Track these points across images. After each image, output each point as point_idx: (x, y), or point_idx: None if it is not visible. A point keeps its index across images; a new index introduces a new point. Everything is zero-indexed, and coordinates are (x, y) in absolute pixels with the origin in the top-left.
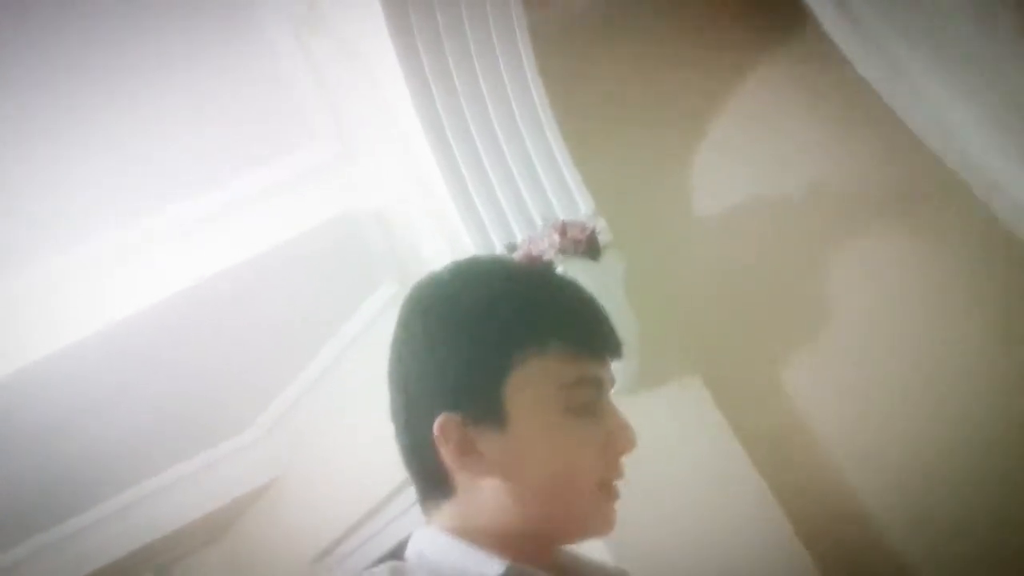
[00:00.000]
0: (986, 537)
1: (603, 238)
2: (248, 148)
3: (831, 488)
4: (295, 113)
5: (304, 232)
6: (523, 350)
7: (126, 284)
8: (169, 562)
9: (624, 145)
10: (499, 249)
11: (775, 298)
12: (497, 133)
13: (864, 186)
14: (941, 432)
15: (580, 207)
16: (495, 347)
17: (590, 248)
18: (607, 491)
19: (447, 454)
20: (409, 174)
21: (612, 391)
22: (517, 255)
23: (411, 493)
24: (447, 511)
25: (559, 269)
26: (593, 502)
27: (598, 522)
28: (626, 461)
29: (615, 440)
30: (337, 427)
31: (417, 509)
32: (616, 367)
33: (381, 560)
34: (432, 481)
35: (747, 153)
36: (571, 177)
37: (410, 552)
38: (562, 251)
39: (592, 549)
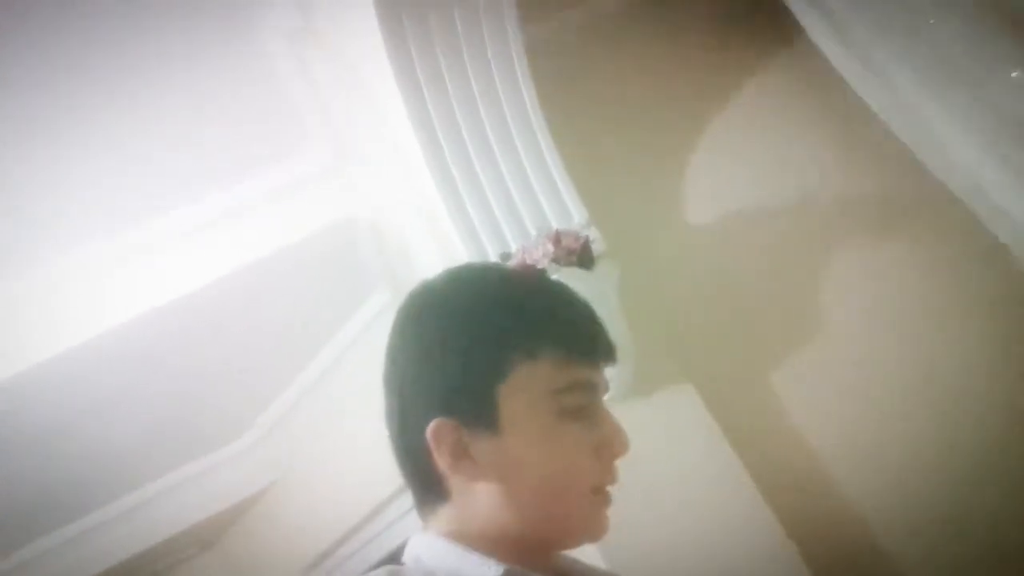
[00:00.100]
0: (979, 540)
1: (597, 247)
2: (242, 155)
3: (823, 493)
4: (291, 121)
5: (298, 239)
6: (516, 354)
7: (125, 288)
8: (166, 567)
9: (617, 154)
10: (493, 258)
11: (768, 306)
12: (491, 142)
13: (856, 194)
14: (933, 436)
15: (574, 216)
16: (488, 351)
17: (584, 257)
18: (601, 496)
19: (441, 458)
20: (403, 183)
21: (606, 397)
22: (511, 264)
23: (408, 498)
24: (443, 515)
25: (553, 278)
26: (587, 507)
27: (592, 527)
28: (620, 467)
29: (608, 444)
30: (334, 431)
31: (414, 513)
32: (610, 374)
33: (379, 564)
34: (427, 486)
35: (740, 162)
36: (564, 186)
37: (407, 556)
38: (556, 260)
39: (585, 554)
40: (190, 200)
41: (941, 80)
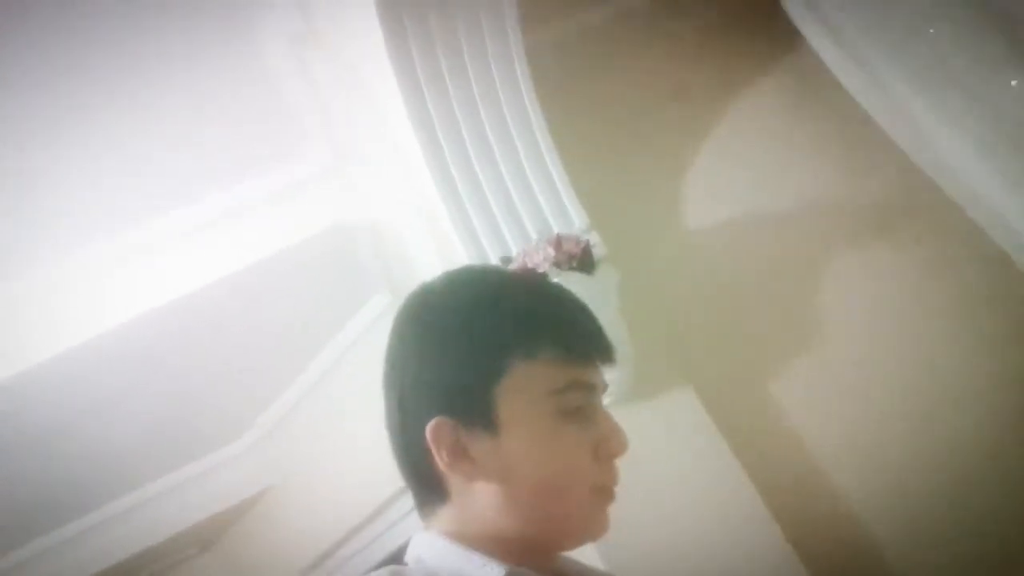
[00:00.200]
0: (979, 540)
1: (597, 251)
2: (242, 155)
3: (822, 494)
4: (290, 122)
5: (298, 240)
6: (514, 355)
7: (125, 288)
8: (165, 568)
9: (618, 160)
10: (494, 262)
11: (767, 309)
12: (492, 147)
13: (855, 198)
14: (932, 437)
15: (574, 221)
16: (486, 351)
17: (584, 261)
18: (603, 495)
19: (440, 458)
20: (403, 185)
21: (605, 398)
22: (512, 268)
23: (408, 499)
24: (443, 516)
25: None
26: (586, 507)
27: (591, 526)
28: (620, 469)
29: (607, 444)
30: (334, 432)
31: (414, 515)
32: (610, 377)
33: (381, 564)
34: (427, 486)
35: (739, 166)
36: (565, 191)
37: (409, 556)
38: (557, 264)
39: (585, 556)
40: (190, 200)
41: (939, 85)
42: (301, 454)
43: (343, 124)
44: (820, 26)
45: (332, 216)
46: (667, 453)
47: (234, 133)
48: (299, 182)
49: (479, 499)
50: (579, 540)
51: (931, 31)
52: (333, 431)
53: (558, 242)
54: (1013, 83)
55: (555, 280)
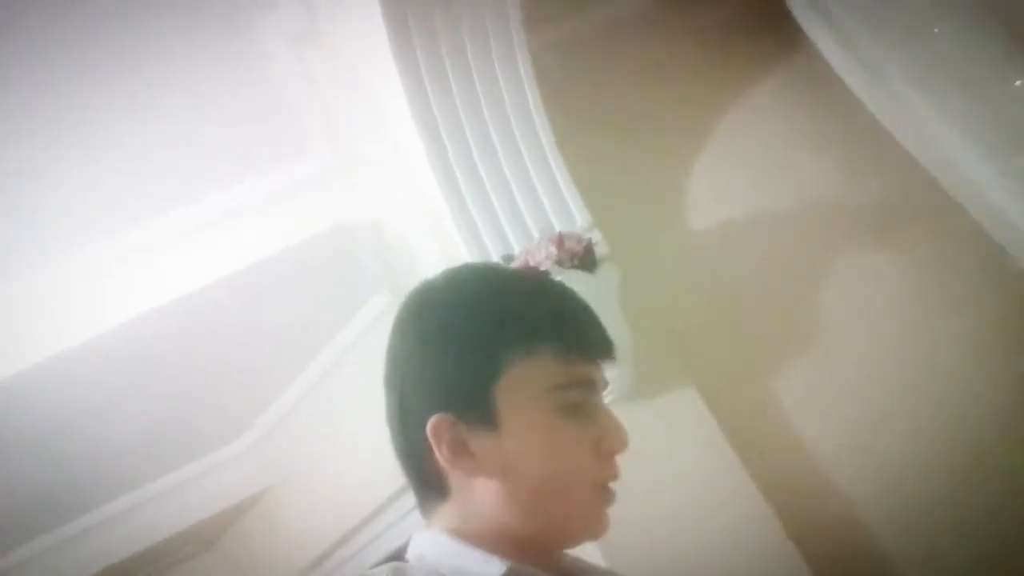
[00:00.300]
0: (980, 540)
1: (599, 250)
2: (243, 155)
3: (824, 494)
4: (291, 122)
5: (303, 240)
6: (513, 351)
7: (125, 288)
8: (165, 567)
9: (620, 158)
10: (496, 260)
11: (769, 308)
12: (495, 145)
13: (857, 198)
14: (933, 437)
15: (576, 219)
16: (485, 348)
17: (586, 260)
18: (603, 493)
19: (441, 455)
20: (406, 186)
21: (607, 397)
22: (514, 266)
23: (408, 499)
24: (445, 513)
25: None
26: (586, 504)
27: (592, 524)
28: (621, 468)
29: (607, 441)
30: (334, 433)
31: (414, 515)
32: (612, 376)
33: (383, 562)
34: (428, 483)
35: (742, 166)
36: (568, 189)
37: (411, 554)
38: (559, 262)
39: (586, 554)
40: (190, 200)
41: (941, 84)
42: (301, 454)
43: (344, 123)
44: (825, 26)
45: (333, 216)
46: (668, 451)
47: (234, 133)
48: (299, 182)
49: (480, 496)
50: (579, 538)
51: (934, 31)
52: (333, 431)
53: (560, 240)
54: (1017, 83)
55: (557, 278)
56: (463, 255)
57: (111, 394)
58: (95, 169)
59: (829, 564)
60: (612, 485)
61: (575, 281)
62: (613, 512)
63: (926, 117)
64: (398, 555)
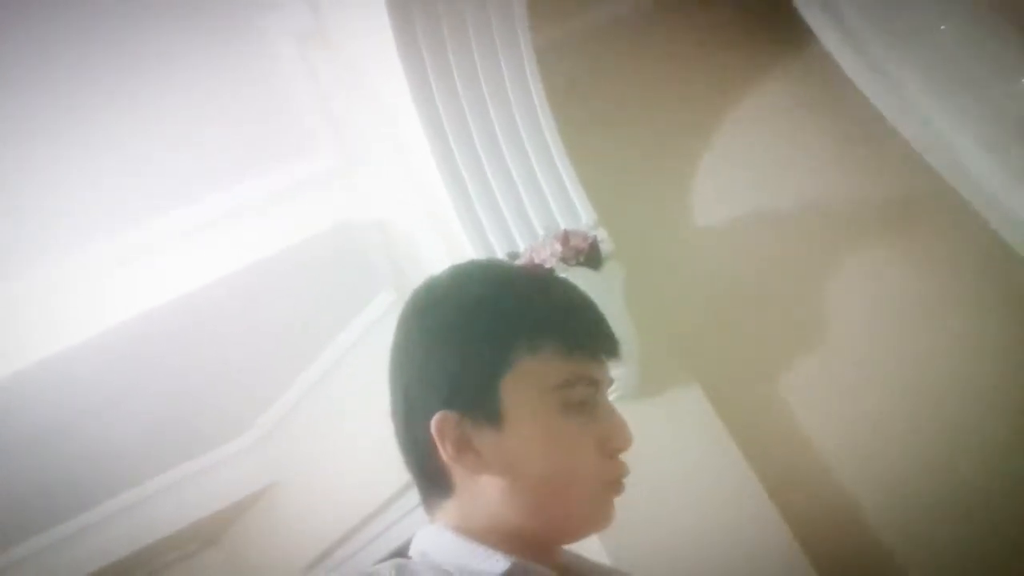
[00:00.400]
0: (983, 539)
1: (604, 248)
2: (249, 154)
3: (829, 493)
4: (294, 121)
5: (304, 239)
6: (518, 349)
7: (125, 288)
8: (164, 565)
9: (626, 157)
10: (501, 258)
11: (773, 306)
12: (500, 143)
13: (861, 196)
14: (937, 437)
15: (582, 217)
16: (490, 345)
17: (592, 257)
18: (609, 488)
19: (444, 452)
20: (410, 184)
21: (611, 395)
22: (519, 264)
23: (408, 499)
24: (448, 509)
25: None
26: (588, 502)
27: (596, 518)
28: (627, 465)
29: (611, 438)
30: (335, 432)
31: (417, 513)
32: (617, 374)
33: (386, 559)
34: (432, 480)
35: (747, 165)
36: (573, 187)
37: (414, 550)
38: (564, 260)
39: (591, 552)
40: (191, 200)
41: (948, 84)
42: (302, 453)
43: (348, 123)
44: (831, 24)
45: (337, 215)
46: (673, 450)
47: (236, 133)
48: (301, 182)
49: (483, 492)
50: (583, 532)
51: (941, 29)
52: (333, 431)
53: (565, 238)
54: (1023, 81)
55: (562, 276)
56: (468, 253)
57: (111, 394)
58: (95, 169)
59: (833, 560)
60: (620, 481)
61: (580, 279)
62: (617, 511)
63: (932, 115)
64: (401, 553)
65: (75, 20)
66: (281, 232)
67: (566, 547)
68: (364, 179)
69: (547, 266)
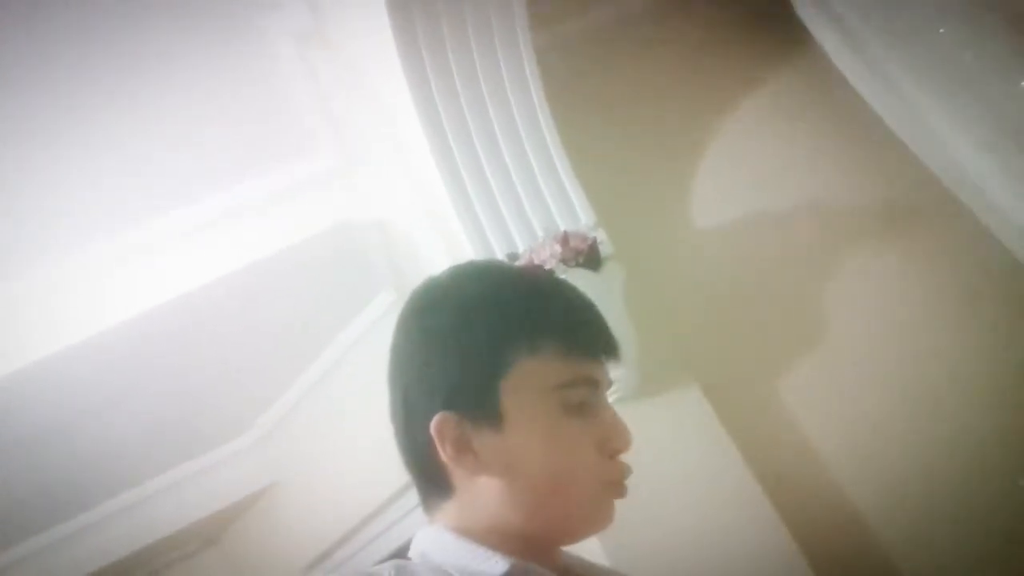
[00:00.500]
0: (982, 540)
1: (604, 249)
2: (249, 154)
3: (828, 495)
4: (294, 121)
5: (304, 239)
6: (518, 350)
7: (125, 288)
8: (164, 565)
9: (625, 158)
10: (500, 259)
11: (773, 307)
12: (500, 144)
13: (861, 198)
14: (936, 439)
15: (581, 218)
16: (490, 346)
17: (591, 258)
18: (610, 489)
19: (444, 452)
20: (410, 184)
21: (611, 396)
22: (518, 265)
23: (408, 499)
24: (448, 510)
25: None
26: (588, 503)
27: (596, 519)
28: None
29: (611, 440)
30: (335, 432)
31: (417, 513)
32: (616, 375)
33: (386, 560)
34: (432, 481)
35: (746, 167)
36: (572, 188)
37: (413, 551)
38: (563, 261)
39: (590, 553)
40: (190, 200)
41: (947, 85)
42: (302, 453)
43: (347, 123)
44: (830, 26)
45: (337, 215)
46: (672, 450)
47: (236, 133)
48: (301, 182)
49: (483, 493)
50: (583, 533)
51: (939, 31)
52: (333, 431)
53: (565, 239)
54: (1022, 83)
55: (561, 277)
56: (468, 253)
57: (111, 394)
58: (95, 169)
59: (831, 561)
60: (622, 482)
61: (579, 280)
62: (617, 511)
63: (930, 117)
64: (401, 553)
65: (75, 20)
66: (281, 232)
67: (566, 548)
68: (364, 179)
69: (547, 267)
